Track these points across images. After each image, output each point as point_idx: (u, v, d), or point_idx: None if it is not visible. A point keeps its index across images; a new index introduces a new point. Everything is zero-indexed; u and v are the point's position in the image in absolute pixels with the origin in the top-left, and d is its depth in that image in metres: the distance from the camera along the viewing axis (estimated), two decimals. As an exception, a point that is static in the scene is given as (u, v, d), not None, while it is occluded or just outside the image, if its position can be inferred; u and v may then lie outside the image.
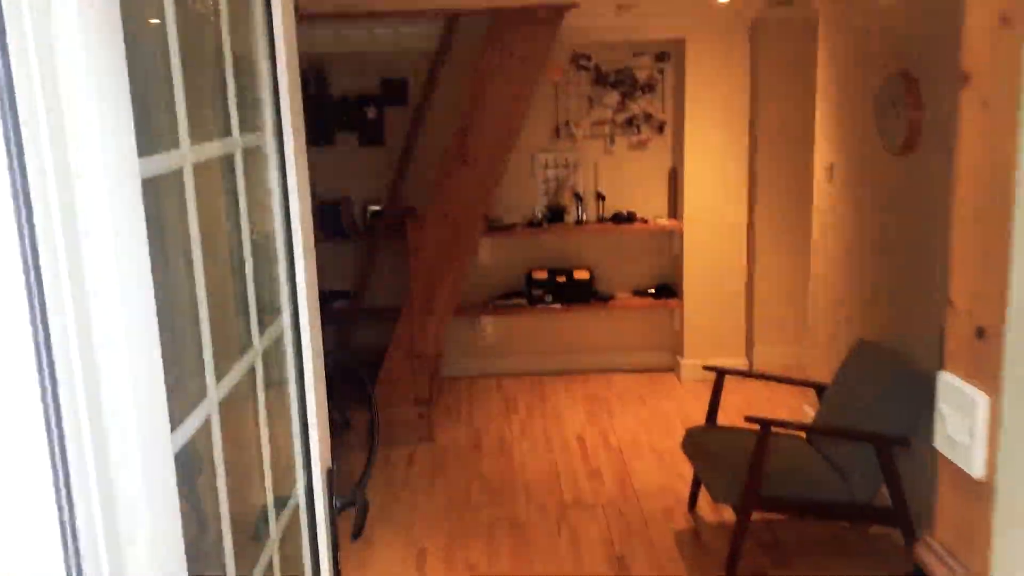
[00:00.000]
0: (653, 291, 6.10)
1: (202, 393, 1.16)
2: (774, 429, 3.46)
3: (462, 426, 5.34)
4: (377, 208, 5.84)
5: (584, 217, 5.98)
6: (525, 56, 4.79)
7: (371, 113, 5.75)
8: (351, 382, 4.59)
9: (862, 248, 4.27)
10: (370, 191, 5.95)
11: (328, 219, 5.84)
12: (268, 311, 1.52)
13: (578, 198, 5.96)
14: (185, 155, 1.11)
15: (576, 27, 5.41)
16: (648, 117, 5.93)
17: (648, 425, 5.25)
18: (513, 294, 6.04)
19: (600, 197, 5.98)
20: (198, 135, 1.17)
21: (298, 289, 1.56)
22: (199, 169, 1.16)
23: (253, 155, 1.46)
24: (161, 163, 1.05)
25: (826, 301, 4.76)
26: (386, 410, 5.05)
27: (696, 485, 4.16)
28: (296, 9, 1.70)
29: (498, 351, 6.21)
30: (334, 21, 5.29)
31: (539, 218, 5.95)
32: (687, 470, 4.35)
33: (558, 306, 5.91)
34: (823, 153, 4.76)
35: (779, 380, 4.48)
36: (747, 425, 3.51)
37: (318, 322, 1.68)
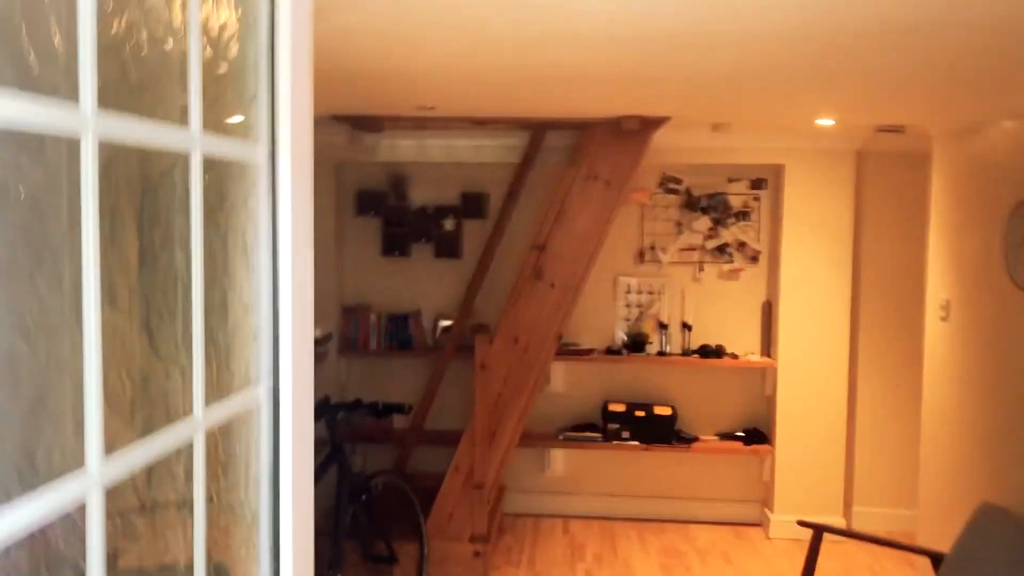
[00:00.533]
0: (742, 435, 5.54)
1: (75, 463, 0.79)
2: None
3: (522, 571, 4.79)
4: (448, 323, 5.53)
5: (668, 348, 5.54)
6: (611, 174, 4.52)
7: (449, 225, 5.54)
8: (402, 508, 4.16)
9: (983, 397, 3.70)
10: (442, 305, 5.67)
11: (398, 331, 5.56)
12: (232, 376, 1.15)
13: (662, 327, 5.54)
14: (87, 119, 0.78)
15: (667, 148, 5.16)
16: (741, 245, 5.55)
17: (731, 586, 4.60)
18: (586, 426, 5.57)
19: (686, 327, 5.54)
20: (118, 100, 0.85)
21: (281, 349, 1.20)
22: (114, 153, 0.83)
23: (231, 169, 1.13)
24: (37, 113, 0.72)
25: (940, 457, 4.15)
26: (438, 544, 4.57)
27: (787, 664, 3.51)
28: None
29: (567, 488, 5.69)
30: (416, 131, 5.17)
31: (619, 345, 5.54)
32: (776, 644, 3.70)
33: (636, 443, 5.40)
34: (937, 289, 4.27)
35: (888, 544, 3.84)
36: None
37: (309, 401, 1.30)
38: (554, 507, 5.68)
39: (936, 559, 3.46)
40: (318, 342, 4.08)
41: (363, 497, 3.73)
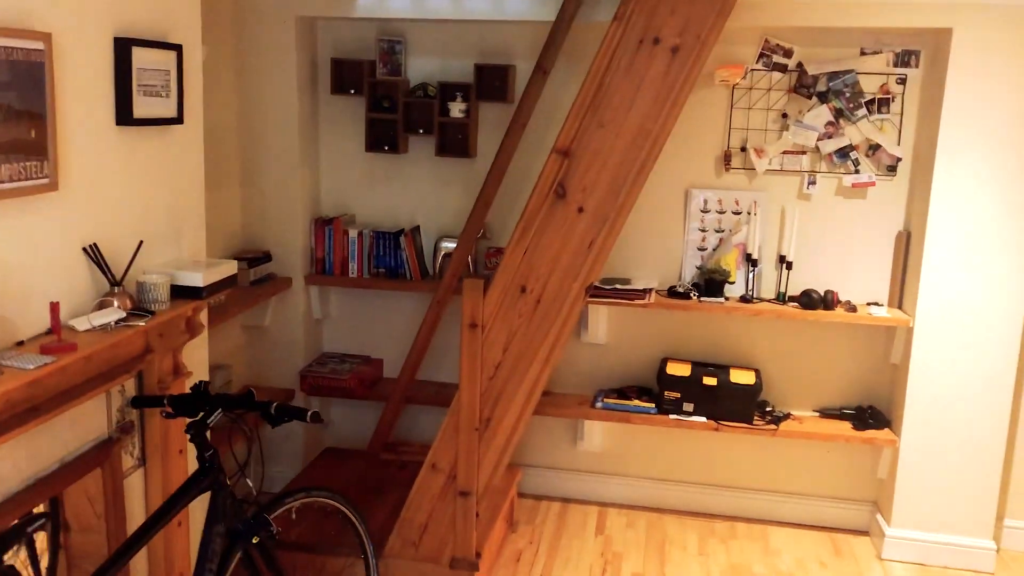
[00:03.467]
0: (852, 412, 3.99)
1: None
2: None
3: (526, 600, 3.46)
4: (452, 246, 4.06)
5: (756, 292, 3.95)
6: (682, 36, 2.87)
7: (458, 110, 3.97)
8: (343, 526, 2.82)
9: None
10: (446, 221, 4.19)
11: (386, 254, 4.12)
12: None
13: (751, 263, 3.94)
14: None
15: (771, 3, 3.47)
16: (874, 149, 3.83)
17: (825, 654, 3.17)
18: (635, 390, 4.10)
19: (785, 264, 3.93)
20: None
21: None
22: None
23: None
24: None
25: None
26: (405, 567, 3.26)
27: None
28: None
29: (605, 468, 4.28)
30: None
31: (687, 286, 3.98)
32: None
33: (702, 420, 3.91)
34: None
35: None
36: None
37: None
38: (587, 491, 4.29)
39: None
40: (216, 284, 2.66)
41: (254, 539, 2.41)
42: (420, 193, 4.19)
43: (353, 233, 4.13)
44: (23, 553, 2.32)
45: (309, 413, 2.30)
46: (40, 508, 2.34)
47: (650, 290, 3.95)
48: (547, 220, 3.00)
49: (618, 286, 3.92)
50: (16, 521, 2.19)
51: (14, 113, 2.02)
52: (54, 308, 2.15)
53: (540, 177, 3.00)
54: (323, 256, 4.16)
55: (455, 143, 4.04)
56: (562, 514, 4.17)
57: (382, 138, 4.06)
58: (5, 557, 2.16)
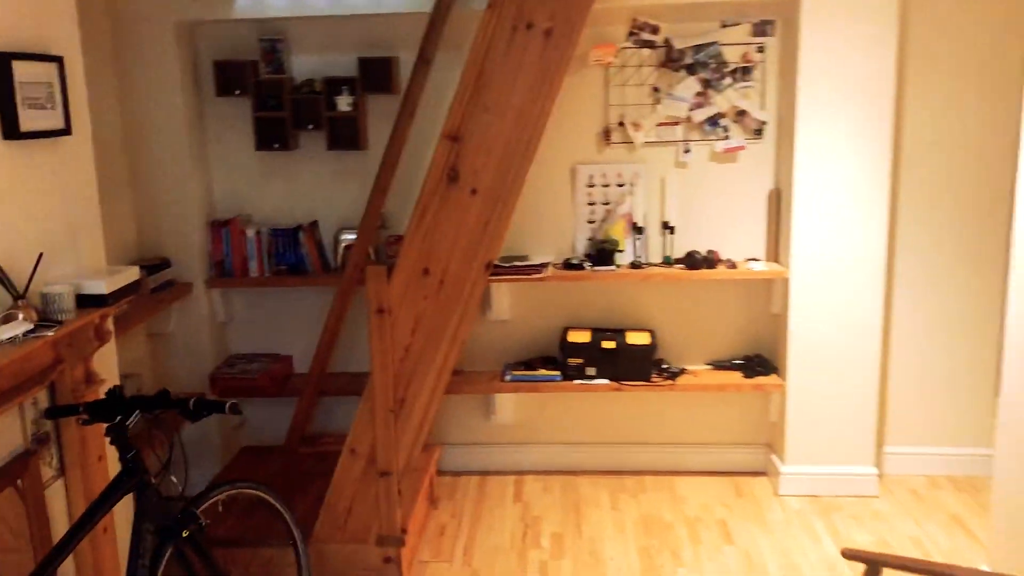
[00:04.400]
0: (741, 362, 4.27)
1: None
2: None
3: (454, 570, 3.60)
4: (353, 237, 4.15)
5: (644, 258, 4.19)
6: (553, 19, 3.04)
7: (345, 104, 4.05)
8: (271, 516, 2.90)
9: None
10: (345, 213, 4.27)
11: (286, 251, 4.18)
12: None
13: (637, 231, 4.16)
14: None
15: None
16: (740, 115, 4.11)
17: (733, 584, 3.43)
18: (541, 361, 4.29)
19: (668, 229, 4.17)
20: None
21: None
22: None
23: None
24: None
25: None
26: (335, 549, 3.37)
27: None
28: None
29: (519, 438, 4.46)
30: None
31: (580, 257, 4.18)
32: None
33: (604, 382, 4.13)
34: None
35: None
36: None
37: None
38: (503, 462, 4.47)
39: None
40: (118, 293, 2.69)
41: (184, 533, 2.48)
42: (315, 188, 4.26)
43: (251, 233, 4.17)
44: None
45: (228, 404, 2.38)
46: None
47: (547, 264, 4.14)
48: (442, 204, 3.14)
49: (516, 263, 4.09)
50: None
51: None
52: (-40, 325, 2.16)
53: (432, 163, 3.13)
54: (222, 258, 4.19)
55: (345, 136, 4.11)
56: (481, 486, 4.33)
57: (271, 136, 4.10)
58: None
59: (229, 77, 4.08)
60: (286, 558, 3.26)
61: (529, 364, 4.26)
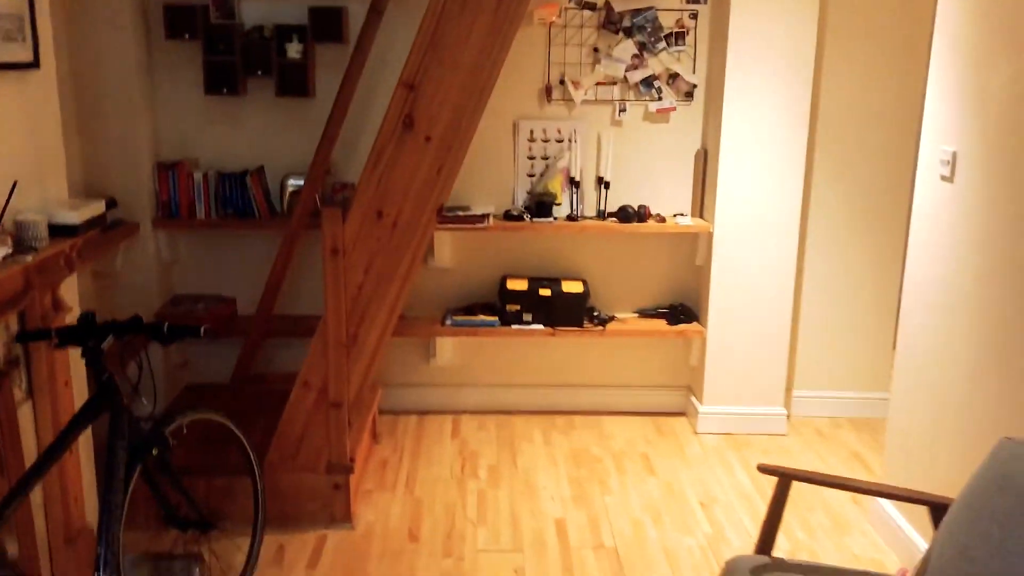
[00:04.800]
0: (666, 311, 4.58)
1: None
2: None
3: (397, 498, 3.82)
4: (299, 184, 4.27)
5: (581, 211, 4.43)
6: (507, -22, 3.21)
7: (294, 52, 4.15)
8: (229, 444, 3.06)
9: (1005, 284, 2.76)
10: (292, 160, 4.38)
11: (233, 196, 4.27)
12: None
13: (574, 185, 4.40)
14: None
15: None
16: (674, 78, 4.37)
17: (657, 509, 3.75)
18: (480, 307, 4.51)
19: (603, 184, 4.43)
20: None
21: None
22: None
23: None
24: None
25: (933, 362, 3.26)
26: (287, 477, 3.54)
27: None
28: None
29: (457, 380, 4.68)
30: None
31: (520, 209, 4.40)
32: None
33: (539, 327, 4.38)
34: (937, 137, 3.23)
35: (872, 493, 2.91)
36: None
37: None
38: (442, 402, 4.69)
39: (936, 510, 2.60)
40: (73, 227, 2.79)
41: (154, 451, 2.62)
42: (263, 134, 4.35)
43: (198, 176, 4.24)
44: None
45: (202, 328, 2.52)
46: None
47: (488, 215, 4.34)
48: (398, 149, 3.30)
49: (459, 213, 4.28)
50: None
51: None
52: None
53: (388, 109, 3.28)
54: (168, 200, 4.25)
55: (294, 83, 4.21)
56: (420, 425, 4.55)
57: (221, 81, 4.17)
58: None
59: (178, 21, 4.12)
60: (240, 485, 3.43)
61: (469, 310, 4.48)
